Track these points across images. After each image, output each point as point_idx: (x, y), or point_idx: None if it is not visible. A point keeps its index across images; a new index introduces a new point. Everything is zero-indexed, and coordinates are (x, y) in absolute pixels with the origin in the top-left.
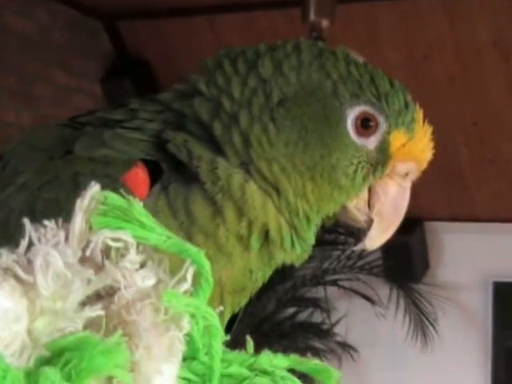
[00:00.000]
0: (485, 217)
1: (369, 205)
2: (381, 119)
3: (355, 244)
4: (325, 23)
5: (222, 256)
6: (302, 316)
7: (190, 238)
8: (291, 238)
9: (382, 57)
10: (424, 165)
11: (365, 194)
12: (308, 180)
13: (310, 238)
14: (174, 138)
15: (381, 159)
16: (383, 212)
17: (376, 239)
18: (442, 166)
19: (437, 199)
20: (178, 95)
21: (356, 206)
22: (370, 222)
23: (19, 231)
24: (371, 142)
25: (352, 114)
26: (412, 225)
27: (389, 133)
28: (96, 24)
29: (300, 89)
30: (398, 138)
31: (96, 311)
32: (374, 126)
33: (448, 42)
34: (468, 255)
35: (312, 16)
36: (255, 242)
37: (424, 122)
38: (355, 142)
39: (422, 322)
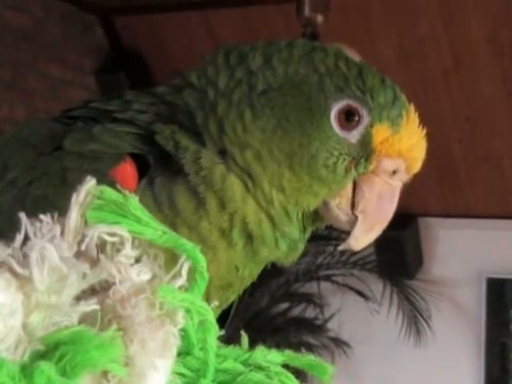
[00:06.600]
0: (478, 213)
1: (354, 204)
2: (364, 112)
3: (340, 243)
4: (319, 18)
5: (207, 250)
6: (295, 311)
7: (174, 230)
8: (273, 233)
9: (376, 52)
10: (414, 164)
11: (348, 192)
12: (285, 169)
13: (294, 233)
14: (163, 129)
15: (363, 153)
16: (368, 209)
17: (360, 238)
18: (436, 161)
19: (430, 195)
20: (173, 88)
21: (338, 205)
22: (354, 221)
23: (8, 227)
24: (354, 135)
25: (336, 107)
26: (406, 220)
27: (372, 126)
28: (91, 18)
29: (286, 81)
30: (380, 132)
31: (91, 305)
32: (357, 120)
33: (442, 36)
34: (462, 251)
35: (307, 11)
36: (237, 236)
37: (419, 122)
38: (337, 134)
39: (415, 317)
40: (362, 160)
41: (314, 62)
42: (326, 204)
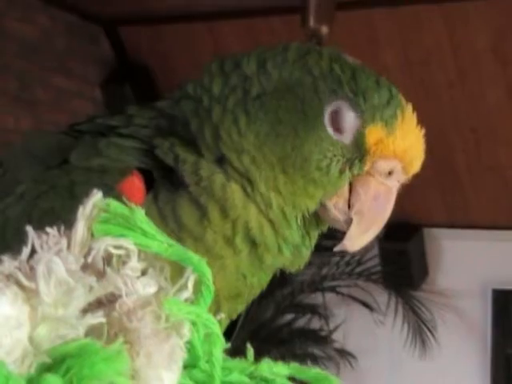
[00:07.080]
0: (484, 224)
1: (350, 205)
2: (356, 114)
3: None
4: (324, 30)
5: (213, 260)
6: (300, 322)
7: (180, 244)
8: (276, 239)
9: (381, 63)
10: (412, 165)
11: (345, 193)
12: (280, 172)
13: (295, 238)
14: (162, 143)
15: (357, 154)
16: (363, 210)
17: (356, 239)
18: (441, 171)
19: (435, 205)
20: (172, 101)
21: (335, 205)
22: (350, 221)
23: (17, 240)
24: (347, 137)
25: (329, 110)
26: (411, 231)
27: (365, 127)
28: (96, 29)
29: (280, 84)
30: (374, 133)
31: (97, 318)
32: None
33: (446, 48)
34: (467, 262)
35: (311, 23)
36: (241, 242)
37: (417, 124)
38: (330, 136)
39: (420, 329)
40: (356, 161)
41: (308, 64)
42: (323, 205)
